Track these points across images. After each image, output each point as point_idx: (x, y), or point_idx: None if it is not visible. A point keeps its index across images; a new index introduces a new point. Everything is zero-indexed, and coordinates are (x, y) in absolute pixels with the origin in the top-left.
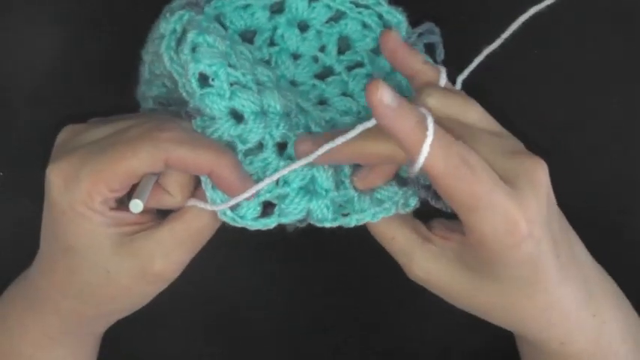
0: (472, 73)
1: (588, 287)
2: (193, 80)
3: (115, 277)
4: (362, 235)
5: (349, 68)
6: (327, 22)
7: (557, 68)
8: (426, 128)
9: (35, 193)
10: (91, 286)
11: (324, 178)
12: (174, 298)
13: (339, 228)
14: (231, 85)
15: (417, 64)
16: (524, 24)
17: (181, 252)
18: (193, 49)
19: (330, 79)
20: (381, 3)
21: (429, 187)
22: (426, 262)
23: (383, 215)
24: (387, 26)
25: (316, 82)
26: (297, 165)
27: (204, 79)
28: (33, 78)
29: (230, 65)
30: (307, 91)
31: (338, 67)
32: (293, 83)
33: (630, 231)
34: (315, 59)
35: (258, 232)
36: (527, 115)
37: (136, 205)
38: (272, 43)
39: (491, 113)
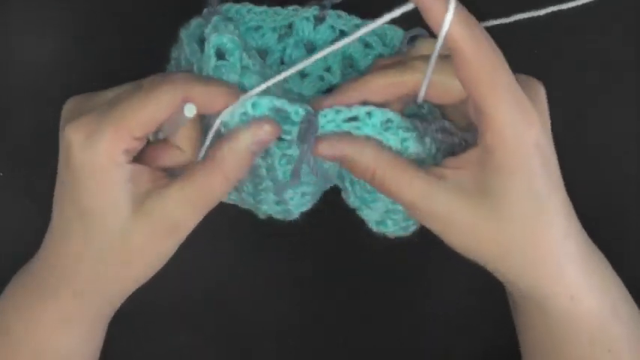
0: None
1: (589, 243)
2: (212, 51)
3: (129, 238)
4: (362, 235)
5: (345, 77)
6: (331, 42)
7: (557, 68)
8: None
9: (35, 193)
10: (107, 251)
11: None
12: (174, 298)
13: (340, 229)
14: (243, 67)
15: None
16: (525, 24)
17: (192, 211)
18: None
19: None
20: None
21: (438, 131)
22: (447, 200)
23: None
24: (386, 44)
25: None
26: (303, 64)
27: (220, 56)
28: (33, 78)
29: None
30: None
31: (336, 78)
32: (300, 96)
33: (630, 231)
34: (321, 78)
35: (259, 231)
36: None
37: (190, 109)
38: (282, 62)
39: None
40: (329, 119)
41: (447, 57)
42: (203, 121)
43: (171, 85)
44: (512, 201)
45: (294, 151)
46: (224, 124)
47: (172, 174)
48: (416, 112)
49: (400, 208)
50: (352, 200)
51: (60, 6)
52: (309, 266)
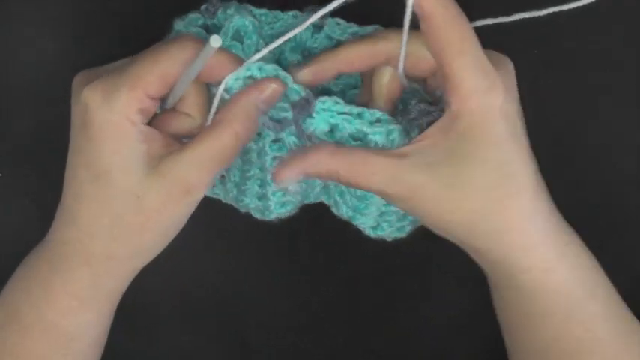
0: None
1: (559, 220)
2: (232, 31)
3: (144, 202)
4: (362, 235)
5: (344, 90)
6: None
7: (557, 68)
8: None
9: (35, 193)
10: (121, 217)
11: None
12: (174, 298)
13: (340, 229)
14: (256, 52)
15: None
16: (525, 24)
17: (205, 171)
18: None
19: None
20: (378, 30)
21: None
22: (413, 176)
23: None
24: None
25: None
26: (291, 34)
27: (236, 38)
28: (33, 78)
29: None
30: None
31: (334, 88)
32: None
33: (631, 231)
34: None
35: (259, 232)
36: (527, 114)
37: (216, 40)
38: (278, 65)
39: None
40: (326, 107)
41: (416, 31)
42: (209, 91)
43: (182, 43)
44: (475, 167)
45: (286, 136)
46: (228, 89)
47: (183, 142)
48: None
49: (393, 209)
50: (345, 211)
51: (60, 6)
52: (309, 267)
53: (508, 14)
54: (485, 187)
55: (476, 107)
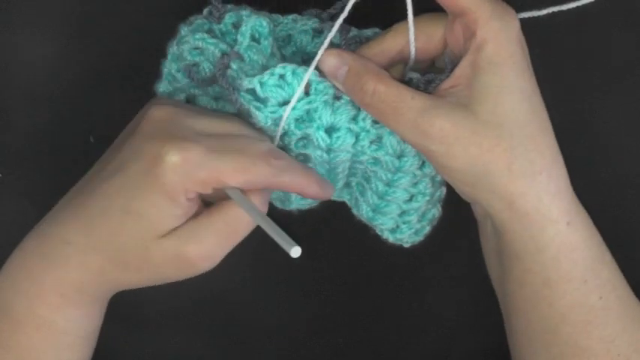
0: None
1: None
2: (249, 32)
3: (151, 255)
4: (362, 235)
5: None
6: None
7: (557, 68)
8: None
9: (35, 194)
10: (127, 253)
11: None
12: (174, 298)
13: (340, 231)
14: (270, 53)
15: None
16: (525, 24)
17: (215, 245)
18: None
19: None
20: (377, 33)
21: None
22: (448, 112)
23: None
24: None
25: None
26: (326, 43)
27: (252, 38)
28: (33, 78)
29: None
30: None
31: None
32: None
33: (630, 231)
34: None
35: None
36: None
37: (296, 251)
38: None
39: None
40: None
41: (421, 17)
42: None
43: (271, 171)
44: (508, 97)
45: (311, 151)
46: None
47: None
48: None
49: (414, 206)
50: (365, 210)
51: (60, 6)
52: (309, 267)
53: None
54: (520, 121)
55: (499, 33)
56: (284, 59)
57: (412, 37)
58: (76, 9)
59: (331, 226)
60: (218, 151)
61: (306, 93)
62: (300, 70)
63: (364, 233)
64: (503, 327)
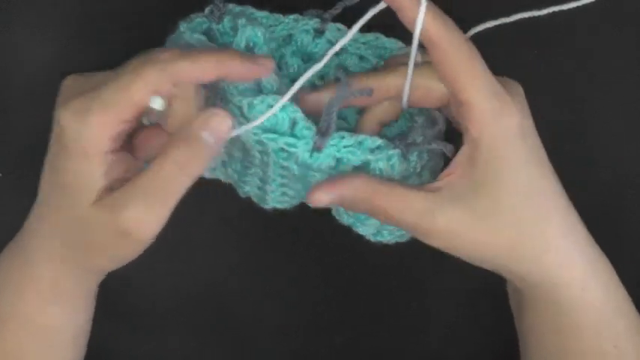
0: None
1: (589, 237)
2: (243, 43)
3: (92, 231)
4: (361, 235)
5: None
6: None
7: (557, 68)
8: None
9: (35, 194)
10: (75, 233)
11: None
12: (173, 298)
13: (339, 230)
14: None
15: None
16: (525, 24)
17: (147, 208)
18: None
19: None
20: (379, 37)
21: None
22: (446, 211)
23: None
24: (382, 56)
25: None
26: (310, 74)
27: (246, 49)
28: (33, 78)
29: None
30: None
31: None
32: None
33: (630, 231)
34: (314, 86)
35: (258, 232)
36: None
37: (156, 101)
38: (279, 69)
39: None
40: (332, 143)
41: (427, 62)
42: (208, 92)
43: (159, 67)
44: (504, 192)
45: (290, 164)
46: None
47: None
48: (399, 132)
49: None
50: (346, 219)
51: (60, 6)
52: (309, 266)
53: (508, 14)
54: (517, 212)
55: (494, 130)
56: (279, 64)
57: (407, 88)
58: (76, 9)
59: (331, 227)
60: (102, 87)
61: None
62: (291, 108)
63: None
64: (503, 327)
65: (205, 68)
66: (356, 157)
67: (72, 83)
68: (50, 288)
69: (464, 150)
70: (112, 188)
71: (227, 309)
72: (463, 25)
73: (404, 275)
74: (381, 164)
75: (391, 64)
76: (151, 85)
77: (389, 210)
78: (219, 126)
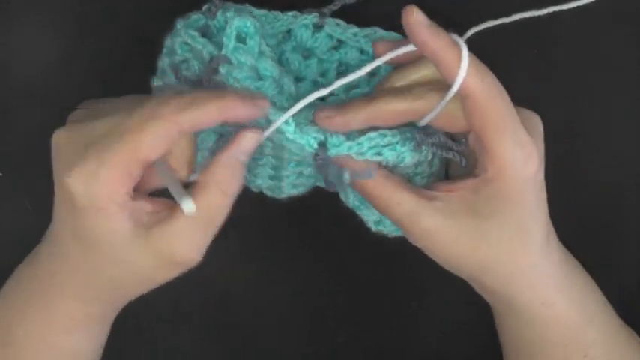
0: None
1: (567, 256)
2: (234, 33)
3: (138, 269)
4: (362, 235)
5: (347, 90)
6: (328, 50)
7: (557, 68)
8: (460, 49)
9: (35, 194)
10: (116, 279)
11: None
12: (173, 299)
13: (340, 228)
14: (259, 52)
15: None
16: (525, 24)
17: (196, 239)
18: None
19: (329, 99)
20: (377, 31)
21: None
22: (433, 218)
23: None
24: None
25: (316, 102)
26: (312, 97)
27: (238, 39)
28: (33, 78)
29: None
30: (307, 107)
31: (337, 90)
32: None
33: (630, 231)
34: (315, 83)
35: (259, 232)
36: None
37: (188, 204)
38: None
39: None
40: (337, 145)
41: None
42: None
43: (161, 121)
44: (499, 225)
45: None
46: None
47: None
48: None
49: None
50: (351, 201)
51: (60, 6)
52: (310, 266)
53: (508, 14)
54: (501, 240)
55: (510, 178)
56: (280, 60)
57: (431, 115)
58: (76, 9)
59: (333, 227)
60: (107, 147)
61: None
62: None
63: (364, 233)
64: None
65: (209, 117)
66: (361, 151)
67: (66, 141)
68: (73, 319)
69: (473, 182)
70: (149, 227)
71: (229, 309)
72: (463, 24)
73: (404, 274)
74: (391, 158)
75: (409, 87)
76: (158, 142)
77: (379, 201)
78: (251, 144)
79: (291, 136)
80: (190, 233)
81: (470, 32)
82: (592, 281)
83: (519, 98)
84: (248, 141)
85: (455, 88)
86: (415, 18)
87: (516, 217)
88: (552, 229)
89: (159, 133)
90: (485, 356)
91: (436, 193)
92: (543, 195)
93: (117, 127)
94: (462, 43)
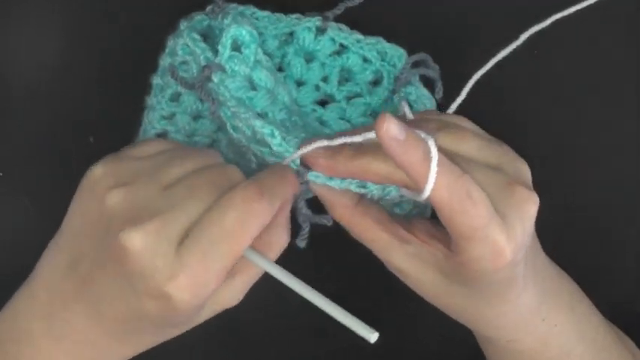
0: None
1: (542, 294)
2: (230, 41)
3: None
4: None
5: (348, 98)
6: (330, 54)
7: (557, 68)
8: (429, 161)
9: (35, 194)
10: (148, 336)
11: None
12: None
13: (339, 229)
14: (255, 61)
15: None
16: (525, 24)
17: (243, 290)
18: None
19: (329, 106)
20: (380, 41)
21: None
22: (402, 262)
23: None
24: (386, 59)
25: (316, 107)
26: (296, 155)
27: (234, 47)
28: (33, 78)
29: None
30: (307, 113)
31: (338, 96)
32: (297, 103)
33: (630, 231)
34: (317, 88)
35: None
36: (527, 115)
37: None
38: (280, 69)
39: (491, 114)
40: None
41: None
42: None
43: (259, 219)
44: (466, 291)
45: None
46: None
47: None
48: None
49: (398, 212)
50: None
51: (60, 6)
52: (310, 267)
53: (508, 18)
54: (467, 298)
55: (477, 270)
56: (281, 63)
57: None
58: (76, 9)
59: (329, 227)
60: (211, 253)
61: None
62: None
63: None
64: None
65: (288, 202)
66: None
67: (153, 240)
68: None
69: (445, 248)
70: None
71: (227, 310)
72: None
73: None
74: (375, 191)
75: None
76: (254, 237)
77: (357, 232)
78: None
79: (275, 149)
80: (242, 288)
81: (473, 79)
82: (580, 299)
83: (520, 98)
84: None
85: (421, 199)
86: (385, 131)
87: (485, 291)
88: (538, 246)
89: (258, 230)
90: (485, 357)
91: (411, 236)
92: (519, 269)
93: (211, 230)
94: (433, 158)
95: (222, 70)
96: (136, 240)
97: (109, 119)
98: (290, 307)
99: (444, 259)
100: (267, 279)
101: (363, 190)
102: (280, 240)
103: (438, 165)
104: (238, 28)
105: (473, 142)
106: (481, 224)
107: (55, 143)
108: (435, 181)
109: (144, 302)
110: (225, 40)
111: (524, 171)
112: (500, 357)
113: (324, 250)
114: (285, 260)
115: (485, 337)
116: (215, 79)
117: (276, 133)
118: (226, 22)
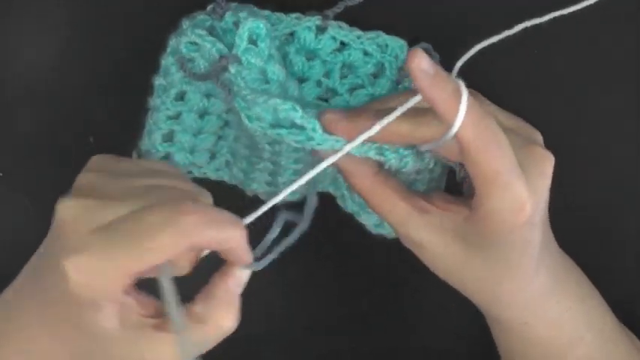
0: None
1: (554, 280)
2: (247, 34)
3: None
4: (362, 235)
5: (351, 90)
6: (331, 52)
7: (557, 68)
8: (460, 97)
9: (35, 194)
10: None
11: None
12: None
13: (339, 229)
14: (269, 55)
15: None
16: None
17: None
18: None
19: (333, 99)
20: (380, 35)
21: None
22: (422, 231)
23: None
24: (386, 52)
25: (320, 102)
26: (324, 165)
27: (249, 41)
28: (33, 78)
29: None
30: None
31: (340, 89)
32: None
33: (629, 231)
34: (319, 84)
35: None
36: (526, 114)
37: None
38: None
39: None
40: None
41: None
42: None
43: (180, 235)
44: (484, 256)
45: (303, 151)
46: None
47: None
48: None
49: None
50: (350, 206)
51: (60, 6)
52: (310, 267)
53: (508, 18)
54: (485, 268)
55: (497, 225)
56: (286, 58)
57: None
58: (76, 9)
59: (330, 227)
60: (115, 244)
61: None
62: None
63: (363, 234)
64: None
65: (227, 239)
66: (372, 153)
67: (71, 219)
68: None
69: (466, 209)
70: (136, 328)
71: None
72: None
73: (405, 275)
74: (394, 161)
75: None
76: (170, 253)
77: (374, 203)
78: (246, 276)
79: (299, 121)
80: (177, 352)
81: (472, 50)
82: (590, 291)
83: (520, 98)
84: (244, 275)
85: (448, 137)
86: (417, 64)
87: (502, 254)
88: (549, 229)
89: (173, 246)
90: (485, 357)
91: (430, 206)
92: (536, 234)
93: (131, 224)
94: (463, 93)
95: (239, 61)
96: (65, 208)
97: (109, 119)
98: (288, 307)
99: (464, 222)
100: (267, 279)
101: (381, 158)
102: (220, 319)
103: (472, 111)
104: (255, 21)
105: (491, 106)
106: (504, 168)
107: (55, 143)
108: (463, 120)
109: (42, 271)
110: (242, 32)
111: (538, 135)
112: (511, 343)
113: (324, 251)
114: (285, 262)
115: (497, 320)
116: (232, 69)
117: (297, 107)
118: (242, 14)
